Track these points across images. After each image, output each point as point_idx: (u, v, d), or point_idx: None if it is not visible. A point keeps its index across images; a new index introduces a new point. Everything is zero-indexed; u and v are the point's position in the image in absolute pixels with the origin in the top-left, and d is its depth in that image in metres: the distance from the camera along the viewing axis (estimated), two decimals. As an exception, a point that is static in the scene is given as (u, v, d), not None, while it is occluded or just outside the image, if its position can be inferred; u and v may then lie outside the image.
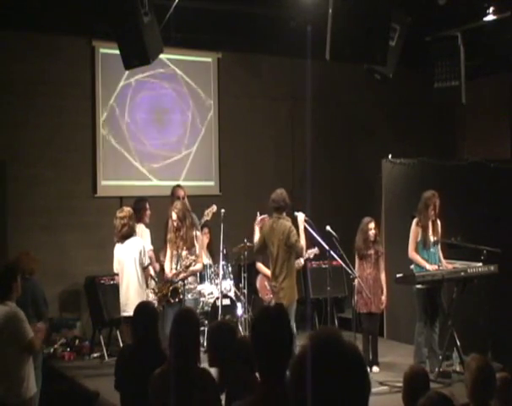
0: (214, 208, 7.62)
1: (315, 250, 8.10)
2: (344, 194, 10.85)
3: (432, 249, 7.37)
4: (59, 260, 8.96)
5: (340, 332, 1.78)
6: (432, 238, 7.34)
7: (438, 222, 7.40)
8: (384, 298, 7.56)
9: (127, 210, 7.08)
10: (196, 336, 4.01)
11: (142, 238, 7.54)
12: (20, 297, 5.25)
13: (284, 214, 7.10)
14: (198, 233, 7.36)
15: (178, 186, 8.51)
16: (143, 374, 4.14)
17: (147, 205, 8.14)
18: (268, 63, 10.67)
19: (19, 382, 4.93)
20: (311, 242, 7.80)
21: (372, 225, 7.56)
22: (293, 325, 8.05)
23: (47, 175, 9.07)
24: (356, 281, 7.39)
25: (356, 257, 7.63)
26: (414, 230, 7.36)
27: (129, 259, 6.89)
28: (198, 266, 7.21)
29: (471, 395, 3.80)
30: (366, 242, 7.55)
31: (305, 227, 7.27)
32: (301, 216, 7.14)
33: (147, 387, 3.92)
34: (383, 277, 7.60)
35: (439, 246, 7.46)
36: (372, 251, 7.58)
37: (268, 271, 7.86)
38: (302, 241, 7.04)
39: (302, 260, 8.16)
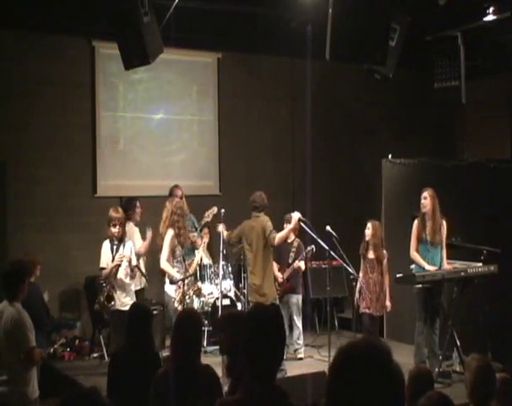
0: (214, 210, 7.63)
1: (310, 248, 8.15)
2: (344, 194, 10.85)
3: (433, 248, 7.32)
4: (59, 260, 8.96)
5: (388, 350, 1.75)
6: (429, 238, 7.30)
7: (443, 222, 7.34)
8: (388, 303, 7.54)
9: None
10: (198, 335, 4.02)
11: (132, 236, 7.68)
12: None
13: (262, 213, 7.42)
14: (191, 235, 7.35)
15: (176, 186, 8.54)
16: (137, 376, 4.15)
17: (137, 204, 8.26)
18: (268, 63, 10.67)
19: (24, 384, 4.92)
20: (311, 242, 7.84)
21: (368, 226, 7.54)
22: (299, 320, 8.19)
23: (47, 175, 9.07)
24: (358, 281, 7.41)
25: (361, 258, 7.68)
26: (415, 230, 7.35)
27: None
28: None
29: (470, 395, 3.80)
30: (364, 243, 7.57)
31: (302, 227, 7.39)
32: (295, 215, 7.31)
33: (141, 389, 3.93)
34: (386, 281, 7.55)
35: (443, 248, 7.40)
36: (372, 256, 7.53)
37: (278, 274, 7.96)
38: (281, 234, 7.32)
39: (302, 265, 8.23)
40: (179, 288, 6.96)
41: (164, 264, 7.10)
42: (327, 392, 1.72)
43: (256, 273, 7.31)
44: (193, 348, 3.87)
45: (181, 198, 8.01)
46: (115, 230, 6.95)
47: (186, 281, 6.99)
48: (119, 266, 6.90)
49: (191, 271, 7.08)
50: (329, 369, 1.76)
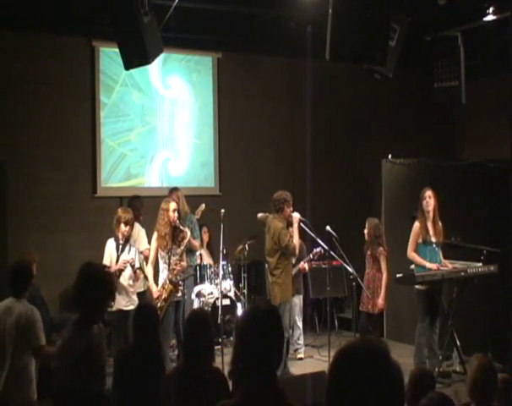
0: (202, 207, 7.65)
1: (318, 250, 8.11)
2: (344, 194, 10.85)
3: (435, 248, 7.34)
4: (59, 260, 8.95)
5: (386, 348, 1.76)
6: (433, 238, 7.31)
7: (440, 223, 7.37)
8: (380, 300, 7.55)
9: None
10: (209, 336, 4.01)
11: (139, 237, 7.60)
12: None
13: (279, 214, 7.26)
14: (189, 234, 7.25)
15: (175, 188, 8.48)
16: (141, 376, 4.14)
17: (142, 203, 8.25)
18: (268, 63, 10.66)
19: (27, 382, 4.93)
20: (311, 243, 7.83)
21: (366, 225, 7.67)
22: (300, 320, 8.18)
23: (47, 175, 9.06)
24: (359, 280, 7.43)
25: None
26: (415, 230, 7.35)
27: None
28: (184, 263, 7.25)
29: (471, 393, 3.79)
30: (366, 242, 7.67)
31: (302, 228, 7.36)
32: (296, 216, 7.26)
33: (144, 389, 3.92)
34: (384, 278, 7.58)
35: (439, 249, 7.43)
36: (369, 252, 7.65)
37: None
38: (295, 240, 7.19)
39: (305, 265, 8.22)
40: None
41: (148, 266, 7.20)
42: (327, 394, 1.72)
43: (269, 272, 7.34)
44: (202, 350, 3.85)
45: (178, 199, 7.94)
46: (125, 229, 6.85)
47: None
48: (122, 270, 6.85)
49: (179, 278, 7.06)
50: (328, 370, 1.76)
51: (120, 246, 6.93)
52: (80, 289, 3.77)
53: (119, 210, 7.09)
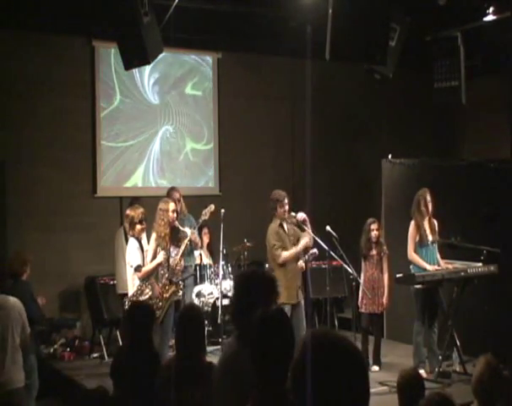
0: (211, 207, 7.49)
1: (314, 251, 8.04)
2: (344, 194, 10.85)
3: (430, 248, 7.36)
4: (59, 260, 8.96)
5: (336, 331, 1.79)
6: (430, 237, 7.33)
7: (435, 221, 7.40)
8: (384, 300, 7.58)
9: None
10: (200, 331, 4.03)
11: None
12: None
13: (275, 214, 7.09)
14: (189, 233, 7.15)
15: (174, 188, 8.45)
16: (137, 376, 4.15)
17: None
18: (268, 63, 10.66)
19: (20, 370, 5.08)
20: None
21: (374, 226, 7.62)
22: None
23: (47, 175, 9.06)
24: (359, 280, 7.41)
25: (362, 258, 7.70)
26: (412, 231, 7.36)
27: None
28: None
29: (476, 391, 3.78)
30: (368, 242, 7.63)
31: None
32: (301, 217, 7.17)
33: (140, 389, 3.94)
34: (385, 278, 7.60)
35: (436, 246, 7.45)
36: (374, 252, 7.63)
37: None
38: (306, 240, 7.02)
39: (302, 263, 8.16)
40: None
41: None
42: (292, 386, 1.72)
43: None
44: (193, 345, 3.88)
45: (178, 200, 7.91)
46: (143, 226, 6.80)
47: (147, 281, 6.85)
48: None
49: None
50: (293, 363, 1.75)
51: (142, 246, 6.84)
52: (247, 299, 3.18)
53: (129, 210, 6.97)
